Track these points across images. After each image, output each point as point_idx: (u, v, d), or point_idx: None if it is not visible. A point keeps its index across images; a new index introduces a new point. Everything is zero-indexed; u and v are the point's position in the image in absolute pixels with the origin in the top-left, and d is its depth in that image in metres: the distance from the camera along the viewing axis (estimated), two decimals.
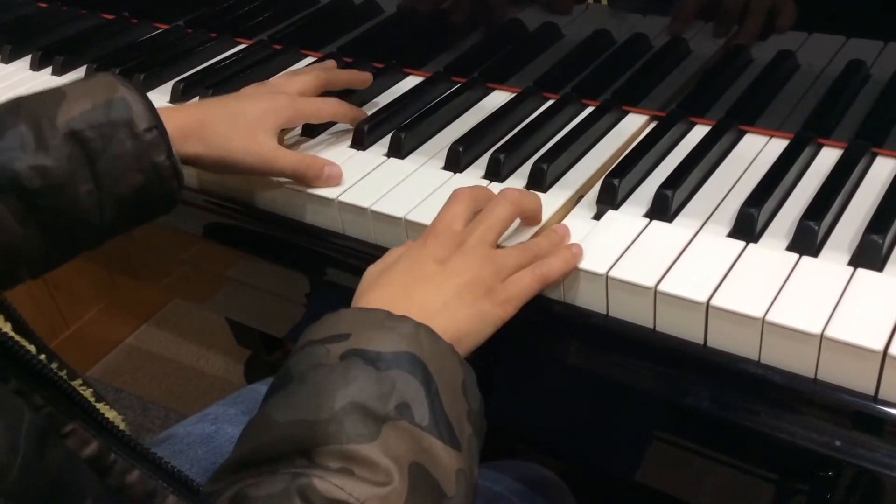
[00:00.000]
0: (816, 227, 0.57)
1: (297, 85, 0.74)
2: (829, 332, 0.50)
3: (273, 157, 0.68)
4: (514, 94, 0.81)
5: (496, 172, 0.70)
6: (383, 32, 0.92)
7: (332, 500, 0.41)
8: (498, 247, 0.59)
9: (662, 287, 0.55)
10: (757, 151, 0.69)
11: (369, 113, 0.80)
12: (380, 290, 0.55)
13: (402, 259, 0.57)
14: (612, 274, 0.57)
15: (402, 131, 0.75)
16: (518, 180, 0.69)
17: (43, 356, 0.47)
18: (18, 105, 0.60)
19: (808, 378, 0.52)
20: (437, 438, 0.45)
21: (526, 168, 0.70)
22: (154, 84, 0.92)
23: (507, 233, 0.61)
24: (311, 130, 0.79)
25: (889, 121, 0.67)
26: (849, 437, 0.51)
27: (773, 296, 0.53)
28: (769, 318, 0.52)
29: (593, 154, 0.72)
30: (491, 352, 0.54)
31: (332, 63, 0.83)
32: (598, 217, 0.64)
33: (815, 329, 0.50)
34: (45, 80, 0.97)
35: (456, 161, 0.72)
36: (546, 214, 0.63)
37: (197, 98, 0.88)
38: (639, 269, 0.56)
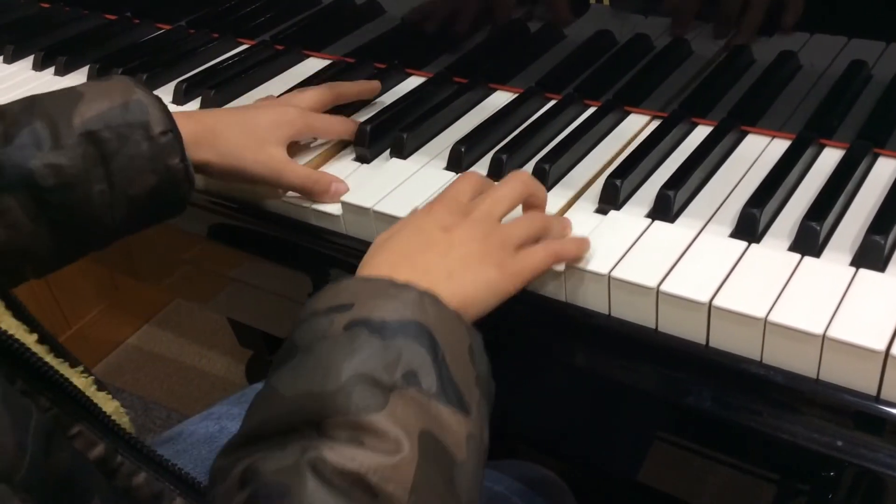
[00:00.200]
0: (818, 228, 0.57)
1: (308, 99, 0.74)
2: (831, 333, 0.50)
3: (282, 170, 0.69)
4: (516, 95, 0.81)
5: (498, 173, 0.70)
6: (385, 33, 0.92)
7: (343, 471, 0.41)
8: None
9: (664, 287, 0.55)
10: (759, 152, 0.69)
11: (372, 113, 0.80)
12: (383, 256, 0.54)
13: (406, 226, 0.56)
14: (615, 274, 0.57)
15: (404, 131, 0.75)
16: None
17: (50, 357, 0.47)
18: (33, 103, 0.61)
19: (810, 378, 0.52)
20: (446, 405, 0.45)
21: (528, 168, 0.70)
22: (156, 84, 0.92)
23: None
24: None
25: (891, 121, 0.67)
26: (851, 438, 0.51)
27: (776, 296, 0.53)
28: (771, 318, 0.52)
29: (595, 154, 0.72)
30: (492, 351, 0.54)
31: (339, 83, 0.82)
32: (600, 218, 0.64)
33: (818, 329, 0.50)
34: (48, 80, 0.97)
35: (458, 161, 0.72)
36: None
37: (199, 98, 0.88)
38: (641, 270, 0.57)
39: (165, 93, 0.91)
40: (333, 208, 0.69)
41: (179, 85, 0.89)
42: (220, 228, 0.78)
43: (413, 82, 0.87)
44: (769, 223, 0.61)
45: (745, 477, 0.64)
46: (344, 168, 0.74)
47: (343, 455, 0.41)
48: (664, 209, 0.62)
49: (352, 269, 0.72)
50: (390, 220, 0.66)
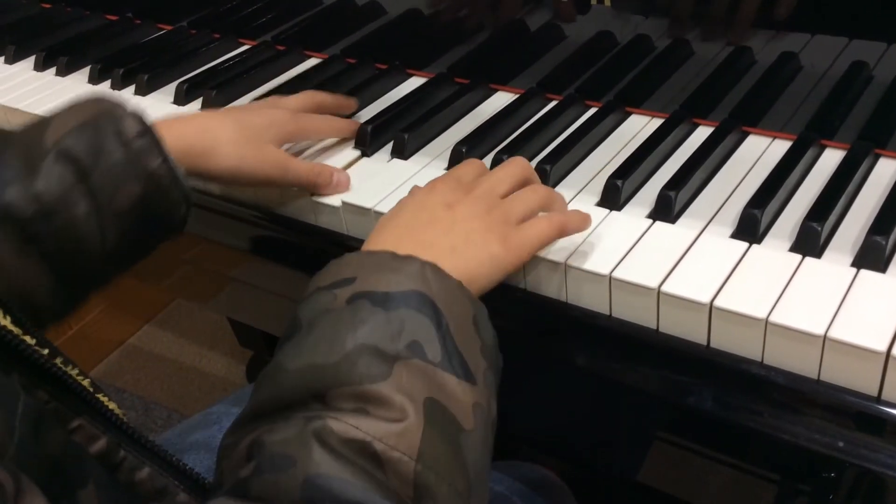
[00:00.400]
0: (819, 229, 0.57)
1: (294, 102, 0.73)
2: (833, 333, 0.50)
3: (286, 165, 0.67)
4: (517, 96, 0.81)
5: None
6: (386, 33, 0.92)
7: (348, 440, 0.41)
8: None
9: (666, 288, 0.55)
10: (760, 152, 0.69)
11: (373, 114, 0.80)
12: (386, 232, 0.54)
13: (409, 203, 0.56)
14: (616, 275, 0.57)
15: (405, 132, 0.75)
16: None
17: (46, 350, 0.47)
18: (5, 138, 0.58)
19: (811, 379, 0.52)
20: (451, 374, 0.45)
21: None
22: (158, 85, 0.92)
23: None
24: None
25: (892, 122, 0.67)
26: (851, 438, 0.51)
27: (777, 297, 0.53)
28: (772, 318, 0.52)
29: (596, 155, 0.72)
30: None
31: (318, 91, 0.81)
32: (601, 218, 0.64)
33: (819, 330, 0.50)
34: (49, 80, 0.97)
35: (459, 162, 0.72)
36: None
37: (201, 98, 0.88)
38: (642, 270, 0.57)
39: (167, 93, 0.91)
40: (334, 200, 0.69)
41: (181, 85, 0.89)
42: (220, 228, 0.78)
43: (414, 83, 0.87)
44: (770, 224, 0.61)
45: (745, 477, 0.64)
46: (345, 169, 0.74)
47: (348, 424, 0.41)
48: (665, 210, 0.62)
49: None
50: None
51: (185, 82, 0.89)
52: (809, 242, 0.57)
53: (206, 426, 0.75)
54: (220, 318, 1.73)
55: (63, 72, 0.98)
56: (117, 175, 0.57)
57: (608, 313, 0.58)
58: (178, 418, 1.59)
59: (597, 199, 0.65)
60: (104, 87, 0.94)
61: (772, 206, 0.61)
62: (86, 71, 0.97)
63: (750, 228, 0.59)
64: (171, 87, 0.91)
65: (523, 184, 0.60)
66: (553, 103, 0.79)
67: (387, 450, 0.41)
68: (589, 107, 0.78)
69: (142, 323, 1.83)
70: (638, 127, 0.75)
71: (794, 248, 0.58)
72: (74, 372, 0.53)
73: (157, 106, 0.89)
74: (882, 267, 0.55)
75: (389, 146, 0.76)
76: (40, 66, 1.00)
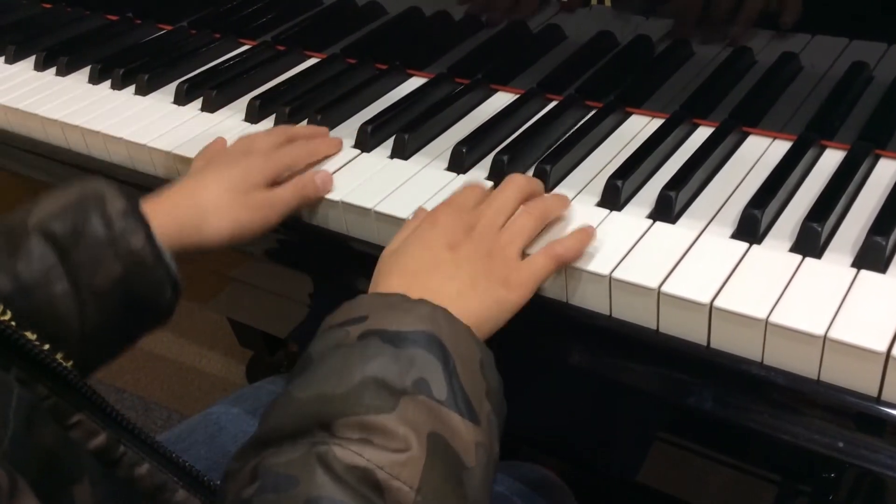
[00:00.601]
0: (820, 229, 0.57)
1: (267, 142, 0.72)
2: (833, 334, 0.50)
3: (273, 201, 0.66)
4: (517, 96, 0.81)
5: (500, 174, 0.70)
6: (387, 33, 0.92)
7: (351, 466, 0.41)
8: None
9: (666, 288, 0.55)
10: (760, 153, 0.69)
11: (373, 114, 0.80)
12: (395, 278, 0.55)
13: (413, 242, 0.57)
14: (616, 275, 0.57)
15: (405, 132, 0.75)
16: None
17: (47, 346, 0.47)
18: None
19: (811, 379, 0.52)
20: (455, 412, 0.45)
21: (529, 170, 0.70)
22: (158, 85, 0.92)
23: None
24: None
25: (892, 122, 0.67)
26: (851, 439, 0.51)
27: (777, 297, 0.53)
28: (772, 319, 0.52)
29: (597, 155, 0.72)
30: (494, 352, 0.55)
31: (288, 125, 0.80)
32: (601, 218, 0.64)
33: (819, 330, 0.50)
34: (49, 80, 0.97)
35: (459, 162, 0.72)
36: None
37: (201, 98, 0.88)
38: (642, 271, 0.57)
39: (167, 93, 0.91)
40: (334, 193, 0.70)
41: (181, 85, 0.89)
42: None
43: (414, 83, 0.87)
44: (770, 224, 0.61)
45: (746, 477, 0.64)
46: (344, 170, 0.74)
47: (352, 451, 0.41)
48: (665, 210, 0.62)
49: (353, 269, 0.72)
50: (391, 220, 0.66)
51: (186, 82, 0.89)
52: (810, 243, 0.57)
53: (205, 426, 0.75)
54: (220, 318, 1.73)
55: (63, 72, 0.98)
56: (98, 254, 0.56)
57: (608, 313, 0.58)
58: (178, 418, 1.58)
59: (597, 199, 0.65)
60: (104, 88, 0.94)
61: (772, 207, 0.61)
62: (86, 71, 0.97)
63: (750, 229, 0.59)
64: (171, 87, 0.91)
65: (522, 203, 0.60)
66: (553, 104, 0.79)
67: (388, 479, 0.41)
68: (589, 107, 0.78)
69: None
70: (638, 127, 0.75)
71: (795, 249, 0.58)
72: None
73: (158, 106, 0.89)
74: (882, 267, 0.55)
75: (390, 146, 0.76)
76: (40, 66, 1.00)
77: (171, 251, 0.60)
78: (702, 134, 0.72)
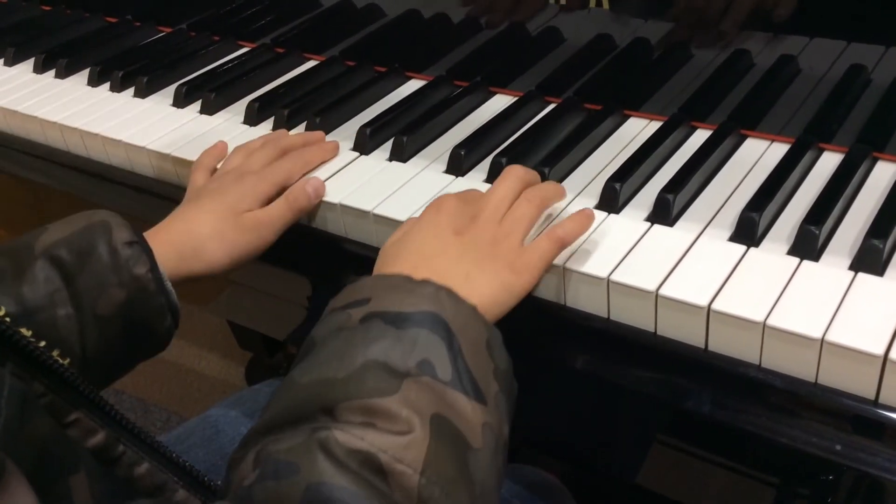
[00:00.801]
0: (817, 232, 0.57)
1: (261, 159, 0.72)
2: (830, 337, 0.50)
3: (267, 219, 0.67)
4: (516, 98, 0.81)
5: (498, 176, 0.70)
6: (386, 36, 0.92)
7: (353, 451, 0.41)
8: None
9: (663, 291, 0.55)
10: (758, 156, 0.69)
11: (371, 117, 0.80)
12: (401, 259, 0.55)
13: (418, 229, 0.57)
14: (614, 278, 0.57)
15: (404, 135, 0.75)
16: None
17: (43, 343, 0.47)
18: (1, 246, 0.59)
19: (809, 382, 0.52)
20: (461, 392, 0.45)
21: None
22: (157, 87, 0.92)
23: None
24: None
25: (890, 125, 0.67)
26: (849, 441, 0.51)
27: (774, 300, 0.53)
28: (770, 322, 0.52)
29: (595, 158, 0.72)
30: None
31: (281, 132, 0.80)
32: (599, 221, 0.64)
33: (816, 333, 0.50)
34: (48, 82, 0.97)
35: (458, 165, 0.72)
36: (541, 221, 0.64)
37: (200, 101, 0.88)
38: (640, 273, 0.57)
39: (166, 95, 0.91)
40: (333, 196, 0.70)
41: (180, 88, 0.89)
42: None
43: (413, 85, 0.87)
44: (768, 227, 0.61)
45: (744, 480, 0.64)
46: (342, 172, 0.74)
47: (353, 435, 0.41)
48: (663, 213, 0.62)
49: (352, 271, 0.72)
50: (390, 223, 0.66)
51: (185, 84, 0.90)
52: (807, 246, 0.57)
53: (203, 429, 0.75)
54: (220, 319, 1.73)
55: (62, 74, 0.98)
56: (102, 280, 0.58)
57: (606, 316, 0.58)
58: (178, 420, 1.58)
59: (595, 201, 0.66)
60: (103, 90, 0.94)
61: (770, 210, 0.61)
62: (85, 73, 0.97)
63: (748, 231, 0.59)
64: (170, 90, 0.91)
65: (522, 192, 0.61)
66: (552, 106, 0.80)
67: (391, 462, 0.41)
68: (588, 110, 0.78)
69: None
70: (636, 130, 0.75)
71: (792, 252, 0.58)
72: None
73: (157, 108, 0.89)
74: (880, 270, 0.55)
75: (388, 149, 0.76)
76: (40, 69, 1.00)
77: (172, 280, 0.61)
78: (700, 136, 0.72)
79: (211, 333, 1.78)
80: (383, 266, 0.56)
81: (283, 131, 0.80)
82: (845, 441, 0.51)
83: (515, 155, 0.71)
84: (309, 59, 0.96)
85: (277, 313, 0.87)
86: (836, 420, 0.52)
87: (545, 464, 0.81)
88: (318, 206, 0.70)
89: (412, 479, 0.41)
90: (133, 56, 1.00)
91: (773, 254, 0.58)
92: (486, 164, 0.72)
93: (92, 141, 0.85)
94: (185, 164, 0.78)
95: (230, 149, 0.76)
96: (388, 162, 0.75)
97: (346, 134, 0.79)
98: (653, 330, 0.57)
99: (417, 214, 0.66)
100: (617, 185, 0.65)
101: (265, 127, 0.84)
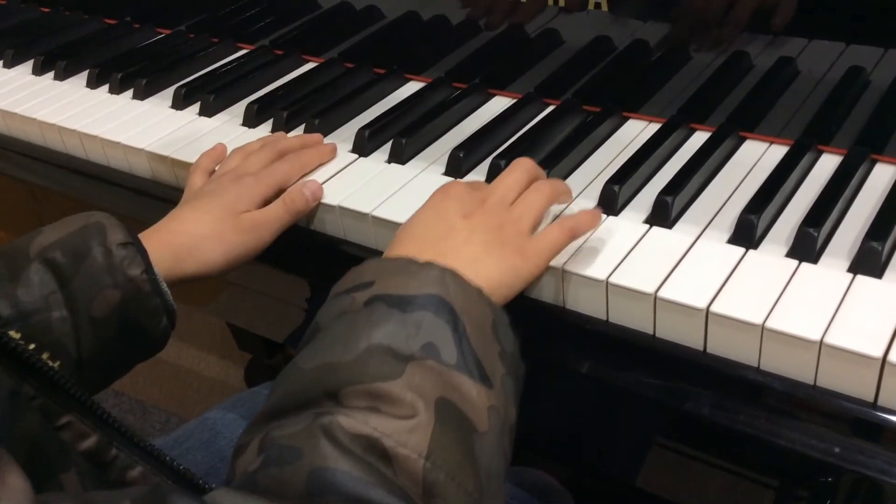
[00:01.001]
0: (816, 234, 0.57)
1: (258, 161, 0.72)
2: (829, 339, 0.50)
3: (268, 221, 0.67)
4: (514, 100, 0.81)
5: None
6: (385, 38, 0.92)
7: (356, 436, 0.41)
8: None
9: (662, 293, 0.55)
10: (757, 158, 0.69)
11: (370, 119, 0.80)
12: (407, 241, 0.55)
13: (426, 212, 0.57)
14: (613, 280, 0.57)
15: (403, 137, 0.75)
16: None
17: (32, 346, 0.47)
18: None
19: (808, 384, 0.52)
20: (466, 376, 0.45)
21: None
22: (156, 89, 0.92)
23: None
24: None
25: (889, 127, 0.67)
26: (848, 444, 0.51)
27: (773, 302, 0.53)
28: (769, 324, 0.52)
29: (594, 160, 0.72)
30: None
31: (280, 134, 0.80)
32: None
33: (815, 336, 0.50)
34: (47, 84, 0.97)
35: (457, 167, 0.72)
36: (546, 221, 0.64)
37: (199, 103, 0.88)
38: (639, 276, 0.57)
39: (165, 98, 0.91)
40: (331, 198, 0.70)
41: (179, 90, 0.89)
42: None
43: (412, 87, 0.87)
44: (767, 229, 0.61)
45: (743, 482, 0.64)
46: (341, 174, 0.74)
47: (357, 420, 0.41)
48: (662, 215, 0.62)
49: None
50: (389, 225, 0.66)
51: (184, 86, 0.90)
52: (806, 248, 0.57)
53: (201, 431, 0.75)
54: (219, 320, 1.73)
55: (61, 76, 0.98)
56: (97, 282, 0.57)
57: (605, 318, 0.58)
58: (177, 421, 1.58)
59: (594, 203, 0.65)
60: (102, 92, 0.94)
61: (768, 212, 0.61)
62: (84, 75, 0.97)
63: (746, 234, 0.59)
64: (169, 92, 0.91)
65: (530, 184, 0.61)
66: (550, 108, 0.80)
67: (395, 446, 0.40)
68: (586, 111, 0.78)
69: None
70: (635, 132, 0.75)
71: (791, 254, 0.58)
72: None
73: (155, 110, 0.89)
74: (878, 272, 0.55)
75: (387, 151, 0.76)
76: (38, 71, 1.00)
77: (168, 280, 0.61)
78: (699, 138, 0.72)
79: (210, 335, 1.78)
80: (390, 250, 0.56)
81: (281, 133, 0.80)
82: (844, 443, 0.51)
83: (514, 157, 0.71)
84: (308, 61, 0.96)
85: (276, 315, 0.87)
86: (834, 422, 0.52)
87: (545, 466, 0.81)
88: (316, 207, 0.70)
89: (417, 463, 0.40)
90: (132, 58, 1.00)
91: (771, 256, 0.58)
92: (484, 165, 0.72)
93: (91, 143, 0.85)
94: (184, 165, 0.78)
95: (229, 151, 0.76)
96: (387, 164, 0.75)
97: (345, 136, 0.79)
98: (652, 332, 0.57)
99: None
100: (616, 187, 0.65)
101: (264, 129, 0.84)
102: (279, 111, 0.83)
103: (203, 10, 1.06)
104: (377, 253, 0.68)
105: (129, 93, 0.93)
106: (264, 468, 0.41)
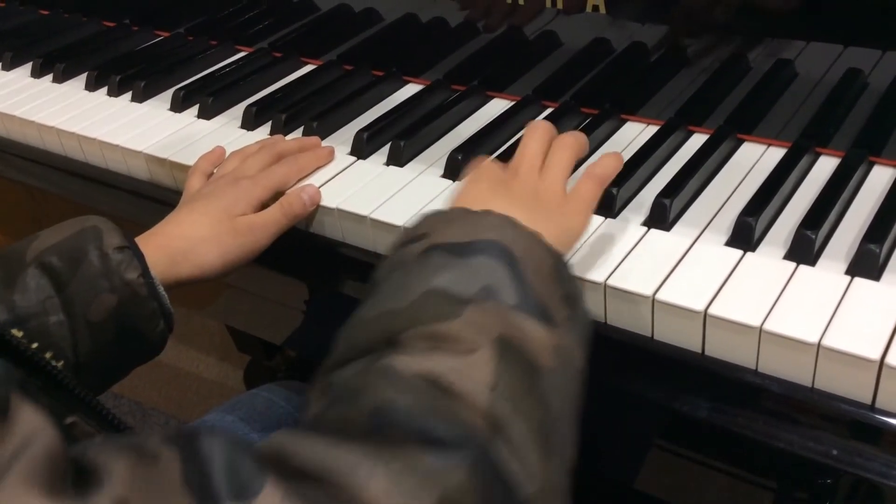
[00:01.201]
0: (814, 236, 0.57)
1: (256, 164, 0.72)
2: (827, 342, 0.50)
3: (265, 224, 0.67)
4: (513, 103, 0.81)
5: None
6: (383, 40, 0.92)
7: (417, 373, 0.40)
8: None
9: (660, 296, 0.55)
10: (755, 160, 0.69)
11: (369, 121, 0.80)
12: (454, 207, 0.54)
13: (465, 186, 0.57)
14: (610, 283, 0.57)
15: (401, 139, 0.75)
16: None
17: (35, 344, 0.47)
18: None
19: (806, 387, 0.52)
20: (527, 316, 0.44)
21: None
22: (154, 91, 0.92)
23: None
24: None
25: (887, 129, 0.67)
26: (846, 446, 0.51)
27: (771, 305, 0.53)
28: (766, 327, 0.52)
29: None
30: None
31: (277, 137, 0.80)
32: (596, 226, 0.64)
33: (813, 338, 0.50)
34: (46, 87, 0.97)
35: (455, 169, 0.72)
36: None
37: (197, 105, 0.88)
38: (637, 278, 0.57)
39: (163, 100, 0.91)
40: (330, 200, 0.70)
41: (177, 92, 0.89)
42: None
43: (410, 89, 0.87)
44: (765, 231, 0.61)
45: (742, 484, 0.64)
46: (340, 177, 0.74)
47: (415, 358, 0.41)
48: (660, 217, 0.63)
49: (349, 276, 0.72)
50: (387, 227, 0.66)
51: (182, 89, 0.90)
52: (804, 250, 0.57)
53: None
54: (218, 323, 1.73)
55: (60, 78, 0.98)
56: (94, 285, 0.57)
57: (603, 321, 0.58)
58: (176, 424, 1.58)
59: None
60: (101, 94, 0.94)
61: (766, 214, 0.61)
62: (83, 78, 0.97)
63: (744, 236, 0.59)
64: (167, 94, 0.91)
65: (550, 144, 0.60)
66: (549, 110, 0.80)
67: (458, 380, 0.40)
68: (585, 114, 0.79)
69: None
70: (633, 134, 0.75)
71: (789, 256, 0.58)
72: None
73: (154, 113, 0.89)
74: (876, 275, 0.55)
75: (386, 153, 0.76)
76: (37, 73, 1.00)
77: (165, 284, 0.61)
78: (697, 141, 0.72)
79: (209, 337, 1.78)
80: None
81: (279, 136, 0.80)
82: (842, 445, 0.51)
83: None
84: (306, 64, 0.96)
85: (275, 317, 0.87)
86: (832, 424, 0.52)
87: None
88: (315, 210, 0.70)
89: (481, 396, 0.40)
90: (130, 60, 1.00)
91: (769, 258, 0.58)
92: None
93: (89, 145, 0.86)
94: (183, 168, 0.78)
95: (227, 153, 0.76)
96: (386, 166, 0.75)
97: (343, 138, 0.80)
98: (650, 334, 0.57)
99: (415, 219, 0.66)
100: (614, 190, 0.65)
101: (263, 131, 0.84)
102: (277, 113, 0.83)
103: (202, 12, 1.06)
104: (376, 255, 0.68)
105: (128, 95, 0.93)
106: (327, 409, 0.41)
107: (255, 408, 0.78)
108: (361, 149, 0.76)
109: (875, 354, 0.49)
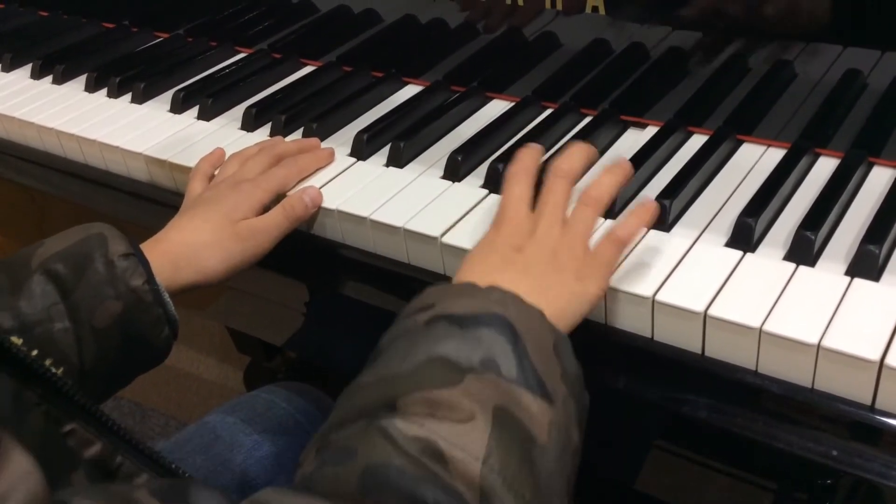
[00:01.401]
0: (813, 237, 0.57)
1: (255, 167, 0.72)
2: (826, 342, 0.50)
3: (267, 228, 0.67)
4: (513, 104, 0.81)
5: (496, 182, 0.70)
6: (383, 41, 0.92)
7: (412, 438, 0.40)
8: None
9: (660, 297, 0.55)
10: (755, 161, 0.69)
11: (368, 122, 0.80)
12: (465, 276, 0.54)
13: (480, 248, 0.56)
14: (610, 284, 0.57)
15: (401, 140, 0.75)
16: None
17: (35, 352, 0.47)
18: None
19: (806, 387, 0.52)
20: (526, 390, 0.44)
21: None
22: (154, 93, 0.92)
23: None
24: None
25: (886, 130, 0.67)
26: (846, 447, 0.51)
27: (771, 305, 0.53)
28: (766, 328, 0.52)
29: None
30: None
31: (277, 138, 0.80)
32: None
33: (812, 339, 0.50)
34: (45, 88, 0.97)
35: (455, 170, 0.72)
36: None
37: (197, 107, 0.88)
38: (636, 280, 0.57)
39: (163, 101, 0.91)
40: (329, 202, 0.70)
41: (177, 93, 0.89)
42: None
43: (410, 91, 0.87)
44: (764, 232, 0.61)
45: (742, 485, 0.64)
46: (340, 178, 0.74)
47: (413, 423, 0.41)
48: (660, 219, 0.62)
49: (349, 277, 0.72)
50: (387, 228, 0.66)
51: (182, 90, 0.90)
52: (803, 251, 0.57)
53: (202, 436, 0.75)
54: (218, 324, 1.73)
55: (59, 80, 0.98)
56: (99, 292, 0.58)
57: (604, 322, 0.58)
58: (176, 425, 1.58)
59: None
60: (100, 96, 0.94)
61: (766, 215, 0.61)
62: (82, 79, 0.97)
63: (744, 237, 0.59)
64: (167, 96, 0.91)
65: (572, 187, 0.58)
66: (549, 111, 0.80)
67: (451, 448, 0.40)
68: (584, 115, 0.79)
69: None
70: (633, 135, 0.75)
71: (788, 257, 0.58)
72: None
73: (154, 114, 0.89)
74: (875, 276, 0.55)
75: (385, 154, 0.76)
76: (37, 75, 1.00)
77: (169, 290, 0.61)
78: (696, 142, 0.72)
79: (209, 338, 1.78)
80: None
81: (278, 138, 0.80)
82: (842, 446, 0.51)
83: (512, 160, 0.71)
84: (306, 65, 0.96)
85: (275, 318, 0.87)
86: (832, 425, 0.52)
87: None
88: (315, 211, 0.70)
89: (473, 466, 0.40)
90: (130, 62, 1.00)
91: (769, 259, 0.58)
92: (482, 169, 0.72)
93: (89, 147, 0.86)
94: (183, 169, 0.78)
95: (227, 155, 0.76)
96: (385, 167, 0.75)
97: (343, 139, 0.80)
98: (650, 336, 0.57)
99: (414, 219, 0.66)
100: None
101: (262, 132, 0.84)
102: (277, 115, 0.83)
103: (201, 13, 1.06)
104: (376, 257, 0.68)
105: (128, 96, 0.93)
106: (320, 468, 0.41)
107: (255, 409, 0.78)
108: (361, 150, 0.76)
109: (875, 355, 0.49)
